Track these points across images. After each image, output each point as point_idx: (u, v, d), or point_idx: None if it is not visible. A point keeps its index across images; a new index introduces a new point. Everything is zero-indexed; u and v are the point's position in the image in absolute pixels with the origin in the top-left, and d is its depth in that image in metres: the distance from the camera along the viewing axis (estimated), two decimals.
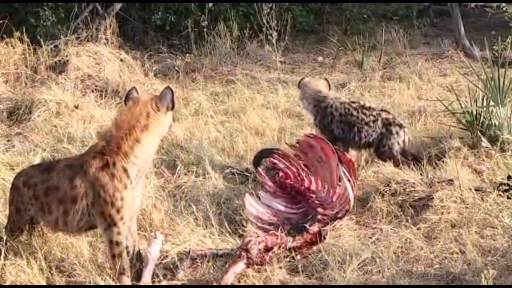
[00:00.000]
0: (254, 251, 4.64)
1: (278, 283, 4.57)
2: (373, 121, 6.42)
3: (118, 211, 4.31)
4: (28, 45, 9.33)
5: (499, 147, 6.41)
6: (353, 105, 6.51)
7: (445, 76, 10.18)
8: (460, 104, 6.90)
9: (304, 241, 4.97)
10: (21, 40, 9.32)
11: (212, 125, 7.77)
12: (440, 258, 4.88)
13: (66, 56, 9.31)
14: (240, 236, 5.16)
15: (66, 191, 4.37)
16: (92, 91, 8.80)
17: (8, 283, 4.43)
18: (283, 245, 4.86)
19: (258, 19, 10.58)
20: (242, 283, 4.57)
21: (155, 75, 9.68)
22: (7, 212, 4.87)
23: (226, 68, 10.40)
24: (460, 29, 11.69)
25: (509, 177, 5.72)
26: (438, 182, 5.69)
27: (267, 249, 4.73)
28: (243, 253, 4.62)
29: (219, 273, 4.60)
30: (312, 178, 5.66)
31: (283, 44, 10.69)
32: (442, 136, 6.83)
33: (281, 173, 5.82)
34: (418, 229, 5.23)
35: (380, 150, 6.41)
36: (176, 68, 10.40)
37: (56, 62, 9.33)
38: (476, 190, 5.65)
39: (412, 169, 6.09)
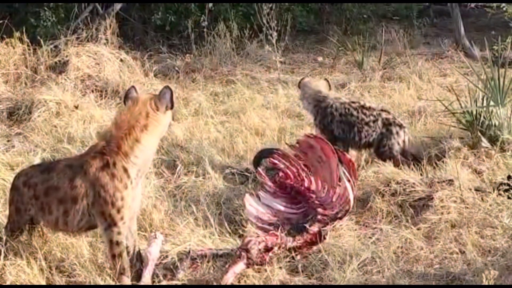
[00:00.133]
0: (254, 251, 4.64)
1: (278, 283, 4.57)
2: (373, 121, 6.43)
3: (118, 211, 4.31)
4: (28, 45, 9.33)
5: (499, 147, 6.41)
6: (353, 105, 6.51)
7: (445, 76, 10.18)
8: (460, 104, 6.90)
9: (304, 241, 4.97)
10: (21, 40, 9.33)
11: (212, 125, 7.77)
12: (440, 258, 4.88)
13: (66, 56, 9.31)
14: (240, 236, 5.16)
15: (66, 191, 4.37)
16: (92, 91, 8.80)
17: (8, 283, 4.43)
18: (283, 245, 4.86)
19: (258, 19, 10.58)
20: (242, 283, 4.57)
21: (155, 75, 9.68)
22: (7, 212, 4.87)
23: (226, 68, 10.40)
24: (460, 29, 11.69)
25: (509, 177, 5.72)
26: (438, 182, 5.69)
27: (267, 249, 4.73)
28: (243, 253, 4.62)
29: (219, 273, 4.60)
30: (312, 178, 5.66)
31: (283, 44, 10.68)
32: (442, 136, 6.83)
33: (281, 173, 5.82)
34: (418, 229, 5.23)
35: (380, 150, 6.41)
36: (176, 68, 10.40)
37: (56, 62, 9.34)
38: (476, 190, 5.65)
39: (412, 169, 6.09)
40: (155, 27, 12.00)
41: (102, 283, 4.40)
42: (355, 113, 6.46)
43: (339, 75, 10.46)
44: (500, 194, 5.50)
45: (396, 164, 6.21)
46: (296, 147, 6.02)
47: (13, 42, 9.32)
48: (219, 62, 10.59)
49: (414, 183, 5.71)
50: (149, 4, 12.01)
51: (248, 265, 4.62)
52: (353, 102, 6.57)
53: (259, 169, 6.03)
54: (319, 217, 5.20)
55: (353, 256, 4.72)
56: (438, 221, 5.29)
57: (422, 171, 6.03)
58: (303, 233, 5.02)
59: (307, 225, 5.10)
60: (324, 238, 5.04)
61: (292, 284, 4.59)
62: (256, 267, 4.66)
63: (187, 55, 11.16)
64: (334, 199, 5.39)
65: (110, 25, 10.30)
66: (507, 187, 5.58)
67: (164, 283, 4.55)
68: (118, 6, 10.92)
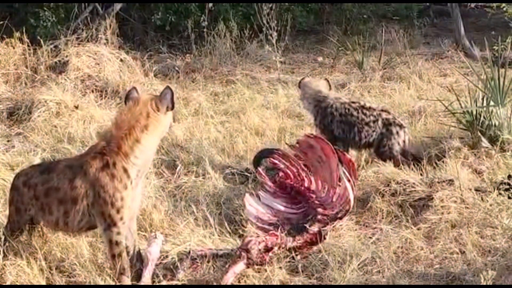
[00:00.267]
0: (254, 251, 4.64)
1: (278, 283, 4.57)
2: (373, 121, 6.43)
3: (118, 211, 4.31)
4: (28, 45, 9.33)
5: (499, 147, 6.41)
6: (353, 105, 6.51)
7: (445, 76, 10.18)
8: (460, 104, 6.90)
9: (304, 241, 4.97)
10: (21, 40, 9.33)
11: (212, 125, 7.77)
12: (440, 258, 4.88)
13: (66, 56, 9.31)
14: (240, 236, 5.16)
15: (67, 192, 4.37)
16: (92, 91, 8.80)
17: (8, 283, 4.43)
18: (283, 245, 4.86)
19: (258, 19, 10.58)
20: (242, 283, 4.57)
21: (155, 75, 9.68)
22: (7, 212, 4.87)
23: (226, 68, 10.40)
24: (460, 29, 11.69)
25: (509, 177, 5.72)
26: (438, 182, 5.68)
27: (267, 249, 4.73)
28: (243, 253, 4.62)
29: (219, 273, 4.60)
30: (312, 178, 5.66)
31: (283, 44, 10.68)
32: (442, 136, 6.83)
33: (281, 173, 5.82)
34: (418, 229, 5.23)
35: (380, 150, 6.41)
36: (176, 68, 10.40)
37: (56, 62, 9.34)
38: (476, 190, 5.65)
39: (412, 169, 6.08)
40: (155, 27, 12.00)
41: (102, 283, 4.40)
42: (355, 113, 6.46)
43: (339, 75, 10.46)
44: (500, 194, 5.50)
45: (396, 164, 6.21)
46: (296, 147, 6.02)
47: (13, 42, 9.33)
48: (219, 62, 10.59)
49: (414, 183, 5.71)
50: (149, 4, 12.01)
51: (248, 265, 4.62)
52: (353, 102, 6.57)
53: (259, 169, 6.03)
54: (319, 217, 5.20)
55: (353, 256, 4.72)
56: (438, 221, 5.29)
57: (422, 171, 6.02)
58: (303, 233, 5.02)
59: (307, 225, 5.10)
60: (324, 238, 5.04)
61: (292, 284, 4.59)
62: (256, 267, 4.66)
63: (187, 55, 11.16)
64: (334, 199, 5.39)
65: (110, 25, 10.31)
66: (507, 186, 5.58)
67: (164, 283, 4.55)
68: (118, 6, 10.92)
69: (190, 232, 5.13)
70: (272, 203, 5.56)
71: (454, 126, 6.92)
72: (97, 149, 4.39)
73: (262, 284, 4.56)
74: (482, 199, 5.51)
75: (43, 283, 4.48)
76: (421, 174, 5.97)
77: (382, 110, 6.52)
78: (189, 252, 4.77)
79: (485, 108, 6.60)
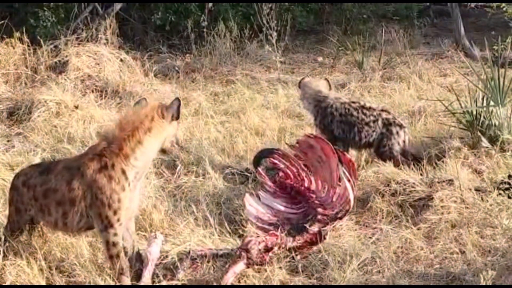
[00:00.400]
0: (254, 251, 4.64)
1: (278, 283, 4.57)
2: (373, 121, 6.43)
3: (115, 212, 4.33)
4: (28, 45, 9.33)
5: (499, 147, 6.41)
6: (353, 105, 6.51)
7: (445, 76, 10.17)
8: (460, 104, 6.90)
9: (304, 241, 4.97)
10: (21, 40, 9.33)
11: (212, 125, 7.77)
12: (440, 258, 4.88)
13: (66, 56, 9.31)
14: (240, 236, 5.16)
15: (64, 194, 4.38)
16: (92, 91, 8.80)
17: (8, 283, 4.43)
18: (283, 245, 4.86)
19: (258, 19, 10.58)
20: (242, 283, 4.57)
21: (155, 75, 9.68)
22: (7, 212, 4.87)
23: (226, 68, 10.40)
24: (460, 29, 11.69)
25: (509, 176, 5.72)
26: (438, 182, 5.69)
27: (267, 249, 4.73)
28: (243, 253, 4.62)
29: (219, 273, 4.60)
30: (312, 178, 5.66)
31: (283, 44, 10.68)
32: (442, 136, 6.83)
33: (281, 173, 5.82)
34: (418, 229, 5.23)
35: (380, 150, 6.41)
36: (176, 68, 10.40)
37: (56, 62, 9.34)
38: (476, 190, 5.65)
39: (412, 169, 6.08)
40: (155, 27, 12.00)
41: (102, 283, 4.40)
42: (355, 113, 6.46)
43: (339, 75, 10.45)
44: (500, 194, 5.50)
45: (396, 164, 6.21)
46: (296, 147, 6.02)
47: (13, 42, 9.33)
48: (219, 62, 10.59)
49: (414, 183, 5.71)
50: (149, 4, 12.01)
51: (248, 265, 4.62)
52: (353, 102, 6.57)
53: (259, 169, 6.03)
54: (319, 217, 5.20)
55: (353, 256, 4.72)
56: (438, 221, 5.29)
57: (422, 171, 6.02)
58: (303, 233, 5.02)
59: (307, 225, 5.10)
60: (324, 238, 5.04)
61: (292, 284, 4.59)
62: (256, 267, 4.66)
63: (187, 55, 11.16)
64: (334, 199, 5.38)
65: (110, 25, 10.31)
66: (507, 186, 5.58)
67: (164, 283, 4.55)
68: (118, 6, 10.92)
69: (190, 232, 5.13)
70: (272, 203, 5.56)
71: (454, 126, 6.92)
72: (97, 150, 4.39)
73: (262, 284, 4.56)
74: (482, 199, 5.51)
75: (43, 283, 4.48)
76: (421, 174, 5.97)
77: (382, 110, 6.52)
78: (189, 252, 4.77)
79: (485, 108, 6.60)
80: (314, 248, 4.98)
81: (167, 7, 11.71)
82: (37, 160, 6.48)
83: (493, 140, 6.50)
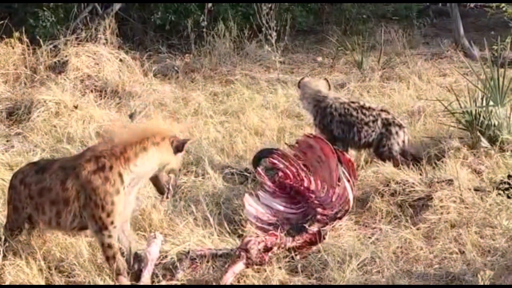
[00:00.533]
0: (254, 251, 4.63)
1: (278, 283, 4.57)
2: (373, 121, 6.43)
3: (108, 215, 4.33)
4: (27, 45, 9.33)
5: (498, 147, 6.41)
6: (353, 105, 6.51)
7: (445, 76, 10.16)
8: (459, 104, 6.90)
9: (303, 241, 4.97)
10: (20, 40, 9.33)
11: (212, 125, 7.77)
12: (439, 258, 4.88)
13: (66, 56, 9.31)
14: (240, 236, 5.16)
15: (58, 193, 4.40)
16: (92, 91, 8.80)
17: (7, 283, 4.43)
18: (283, 245, 4.86)
19: (257, 19, 10.57)
20: (242, 283, 4.57)
21: (154, 75, 9.67)
22: (6, 212, 4.87)
23: (226, 68, 10.39)
24: (460, 29, 11.68)
25: (509, 176, 5.72)
26: (438, 182, 5.69)
27: (267, 249, 4.73)
28: (242, 253, 4.62)
29: (218, 273, 4.60)
30: (312, 178, 5.66)
31: (282, 44, 10.68)
32: (441, 136, 6.83)
33: (280, 173, 5.82)
34: (417, 229, 5.23)
35: (380, 150, 6.41)
36: (176, 68, 10.39)
37: (55, 62, 9.34)
38: (476, 190, 5.65)
39: (412, 169, 6.08)
40: (154, 27, 11.99)
41: (101, 283, 4.40)
42: (354, 113, 6.46)
43: (338, 75, 10.44)
44: (499, 194, 5.51)
45: (396, 164, 6.21)
46: (296, 147, 6.02)
47: (12, 42, 9.32)
48: (219, 62, 10.58)
49: (413, 183, 5.71)
50: (149, 4, 12.00)
51: (247, 265, 4.62)
52: (353, 102, 6.57)
53: (259, 169, 6.03)
54: (318, 217, 5.20)
55: (353, 256, 4.72)
56: (437, 221, 5.29)
57: (422, 171, 6.02)
58: (302, 233, 5.02)
59: (306, 225, 5.10)
60: (324, 238, 5.04)
61: (291, 284, 4.59)
62: (255, 267, 4.66)
63: (187, 55, 11.15)
64: (333, 199, 5.38)
65: (110, 25, 10.30)
66: (507, 186, 5.58)
67: (163, 283, 4.55)
68: (117, 6, 10.91)
69: (190, 232, 5.13)
70: (271, 203, 5.56)
71: (454, 126, 6.92)
72: (97, 151, 4.40)
73: (261, 284, 4.56)
74: (481, 199, 5.52)
75: (42, 283, 4.48)
76: (420, 174, 5.97)
77: (381, 110, 6.52)
78: (189, 252, 4.77)
79: (484, 108, 6.60)
80: (314, 248, 4.98)
81: (166, 7, 11.70)
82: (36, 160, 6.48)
83: (492, 140, 6.50)
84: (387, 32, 11.60)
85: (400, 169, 6.06)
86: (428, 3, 14.92)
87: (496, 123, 6.56)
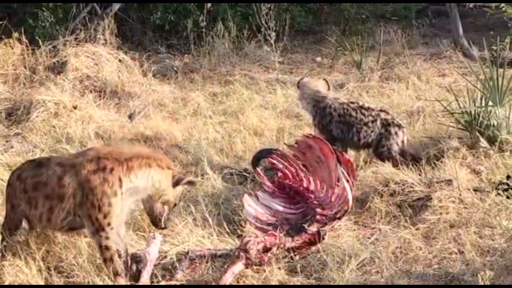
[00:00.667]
0: (253, 252, 4.64)
1: (277, 284, 4.57)
2: (372, 122, 6.43)
3: (105, 216, 4.34)
4: (26, 45, 9.33)
5: (497, 147, 6.41)
6: (352, 105, 6.51)
7: (444, 76, 10.16)
8: (458, 104, 6.90)
9: (303, 241, 4.97)
10: (19, 40, 9.33)
11: (211, 125, 7.76)
12: (438, 258, 4.88)
13: (65, 56, 9.30)
14: (239, 236, 5.16)
15: (54, 188, 4.41)
16: (91, 91, 8.80)
17: (6, 283, 4.43)
18: (282, 246, 4.86)
19: (256, 20, 10.57)
20: (241, 283, 4.57)
21: (153, 76, 9.67)
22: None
23: (225, 69, 10.39)
24: (459, 29, 11.68)
25: (508, 177, 5.73)
26: (437, 182, 5.69)
27: (266, 250, 4.73)
28: (241, 254, 4.62)
29: (217, 273, 4.60)
30: (311, 178, 5.66)
31: (281, 45, 10.68)
32: (440, 136, 6.83)
33: (279, 173, 5.82)
34: (416, 229, 5.23)
35: (379, 150, 6.42)
36: (175, 68, 10.39)
37: (54, 63, 9.33)
38: (475, 190, 5.65)
39: (411, 169, 6.08)
40: (153, 27, 11.99)
41: (100, 283, 4.40)
42: (353, 113, 6.46)
43: (337, 75, 10.44)
44: (499, 194, 5.51)
45: (395, 164, 6.22)
46: (295, 147, 6.03)
47: (11, 42, 9.32)
48: (218, 62, 10.58)
49: (412, 183, 5.71)
50: (148, 4, 12.00)
51: (246, 266, 4.62)
52: (352, 103, 6.57)
53: (258, 169, 6.03)
54: (317, 217, 5.20)
55: (352, 256, 4.72)
56: (436, 221, 5.29)
57: (421, 171, 6.02)
58: (301, 233, 5.02)
59: (305, 225, 5.10)
60: (323, 238, 5.04)
61: (291, 284, 4.59)
62: (255, 267, 4.66)
63: (186, 55, 11.15)
64: (332, 199, 5.38)
65: (109, 26, 10.29)
66: (506, 187, 5.58)
67: (162, 283, 4.55)
68: (116, 6, 10.91)
69: (189, 232, 5.13)
70: (270, 203, 5.56)
71: (453, 126, 6.92)
72: (100, 153, 4.41)
73: (260, 284, 4.56)
74: (480, 199, 5.52)
75: (42, 283, 4.48)
76: (419, 174, 5.97)
77: (380, 110, 6.52)
78: (188, 252, 4.77)
79: (483, 108, 6.60)
80: (313, 248, 4.98)
81: (166, 7, 11.69)
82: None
83: (491, 140, 6.50)
84: (386, 32, 11.60)
85: (399, 169, 6.06)
86: (427, 3, 14.91)
87: (495, 123, 6.56)
